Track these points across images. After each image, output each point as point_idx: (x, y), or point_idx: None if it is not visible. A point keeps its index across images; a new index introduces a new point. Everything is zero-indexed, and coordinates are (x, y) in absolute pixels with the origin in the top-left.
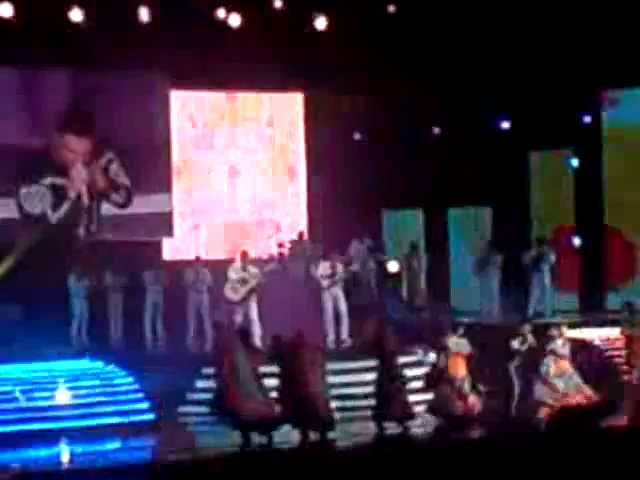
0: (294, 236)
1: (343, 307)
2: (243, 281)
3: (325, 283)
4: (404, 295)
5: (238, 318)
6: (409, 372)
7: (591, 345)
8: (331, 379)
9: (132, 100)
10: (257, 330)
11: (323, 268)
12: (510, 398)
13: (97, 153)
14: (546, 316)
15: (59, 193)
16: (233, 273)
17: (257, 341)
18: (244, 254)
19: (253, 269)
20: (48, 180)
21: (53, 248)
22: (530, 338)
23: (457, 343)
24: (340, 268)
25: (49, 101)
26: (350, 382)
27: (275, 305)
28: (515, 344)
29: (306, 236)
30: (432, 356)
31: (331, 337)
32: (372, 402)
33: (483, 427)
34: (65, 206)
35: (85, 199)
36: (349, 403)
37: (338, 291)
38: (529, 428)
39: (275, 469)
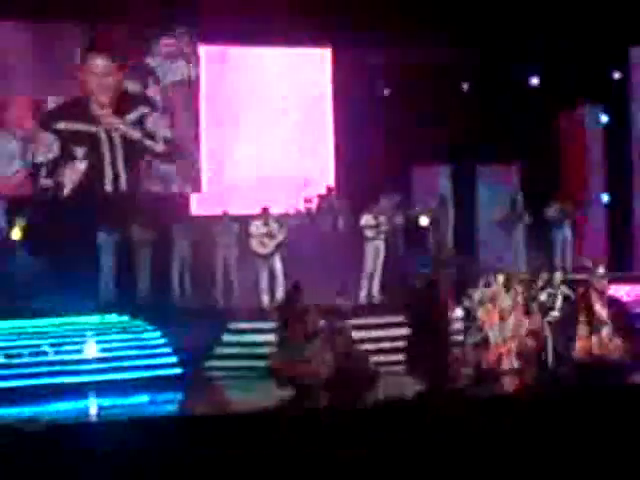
0: (322, 191)
1: (381, 262)
2: (270, 235)
3: (370, 234)
4: (431, 249)
5: (263, 272)
6: None
7: (619, 301)
8: (361, 334)
9: (159, 55)
10: (280, 283)
11: (367, 218)
12: (544, 352)
13: (127, 106)
14: (569, 271)
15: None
16: (255, 229)
17: (280, 294)
18: (265, 210)
19: (274, 224)
20: (62, 125)
21: (80, 201)
22: (561, 288)
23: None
24: (383, 219)
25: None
26: (380, 337)
27: (302, 260)
28: (543, 296)
29: (334, 191)
30: (459, 311)
31: (364, 292)
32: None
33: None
34: (55, 146)
35: (105, 148)
36: (379, 358)
37: (380, 244)
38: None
39: (302, 426)
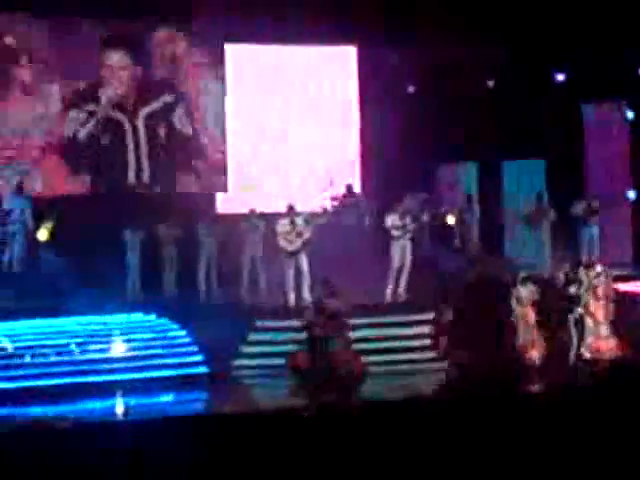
0: (347, 189)
1: (408, 260)
2: (297, 233)
3: (396, 234)
4: (457, 247)
5: (290, 270)
6: None
7: None
8: (386, 332)
9: (186, 52)
10: (307, 281)
11: (393, 219)
12: (569, 349)
13: (149, 96)
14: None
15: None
16: (281, 227)
17: (306, 291)
18: (290, 208)
19: (300, 222)
20: (90, 106)
21: (106, 199)
22: (587, 282)
23: (531, 291)
24: (409, 219)
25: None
26: (405, 335)
27: (326, 257)
28: (572, 289)
29: (356, 189)
30: None
31: (389, 290)
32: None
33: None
34: (91, 123)
35: (128, 137)
36: (408, 356)
37: (407, 243)
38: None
39: (326, 423)
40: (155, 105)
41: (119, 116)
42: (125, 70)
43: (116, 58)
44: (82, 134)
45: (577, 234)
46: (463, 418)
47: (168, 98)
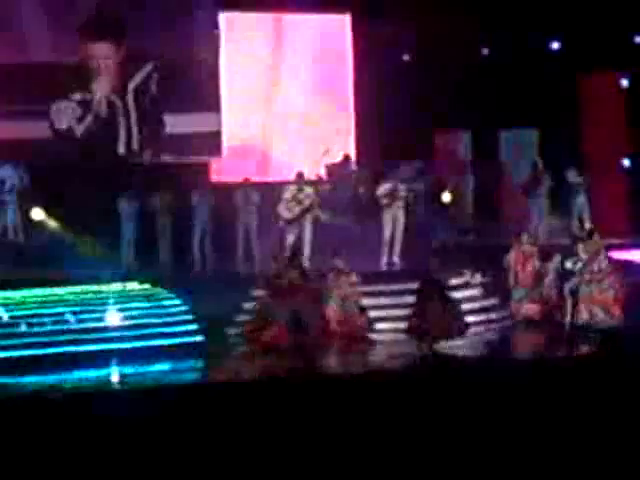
0: (341, 159)
1: (400, 229)
2: (298, 201)
3: (386, 202)
4: (452, 216)
5: (290, 238)
6: (456, 294)
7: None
8: (380, 301)
9: (181, 18)
10: (307, 251)
11: (384, 188)
12: (563, 318)
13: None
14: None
15: (86, 107)
16: (288, 193)
17: (306, 262)
18: (300, 175)
19: (308, 189)
20: (77, 96)
21: (96, 167)
22: (583, 257)
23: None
24: (401, 187)
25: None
26: (399, 304)
27: (321, 228)
28: (569, 264)
29: (353, 159)
30: (478, 277)
31: (384, 259)
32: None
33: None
34: (89, 118)
35: (119, 114)
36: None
37: (398, 212)
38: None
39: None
40: (141, 75)
41: (111, 97)
42: (111, 58)
43: (102, 50)
44: (80, 130)
45: (568, 202)
46: (453, 386)
47: (151, 66)
